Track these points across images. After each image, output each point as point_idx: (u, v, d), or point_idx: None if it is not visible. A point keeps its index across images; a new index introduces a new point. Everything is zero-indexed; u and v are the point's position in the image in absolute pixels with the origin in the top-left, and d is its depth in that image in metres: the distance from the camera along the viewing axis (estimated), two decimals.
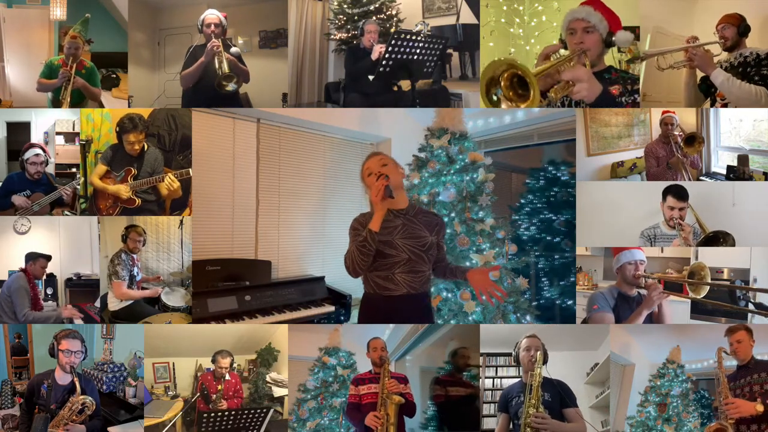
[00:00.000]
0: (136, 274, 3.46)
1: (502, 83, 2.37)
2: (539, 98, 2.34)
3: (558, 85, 2.49)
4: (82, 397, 2.83)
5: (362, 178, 2.48)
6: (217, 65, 3.41)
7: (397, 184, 2.42)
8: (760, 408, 2.56)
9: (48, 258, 3.38)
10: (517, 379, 2.95)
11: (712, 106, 3.28)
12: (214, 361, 3.30)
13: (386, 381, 2.72)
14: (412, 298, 2.40)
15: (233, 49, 3.51)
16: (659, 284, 2.82)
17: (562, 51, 2.67)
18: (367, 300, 2.47)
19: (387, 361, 2.81)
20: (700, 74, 3.24)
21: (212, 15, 3.47)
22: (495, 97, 2.39)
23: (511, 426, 2.81)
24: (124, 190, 3.32)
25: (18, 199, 3.32)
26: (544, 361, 2.79)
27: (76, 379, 2.86)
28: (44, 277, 3.49)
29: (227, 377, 3.29)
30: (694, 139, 3.35)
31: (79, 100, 3.54)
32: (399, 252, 2.36)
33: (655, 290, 2.79)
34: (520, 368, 2.90)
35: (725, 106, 3.21)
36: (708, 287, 2.86)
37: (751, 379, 2.75)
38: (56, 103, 3.53)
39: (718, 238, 3.14)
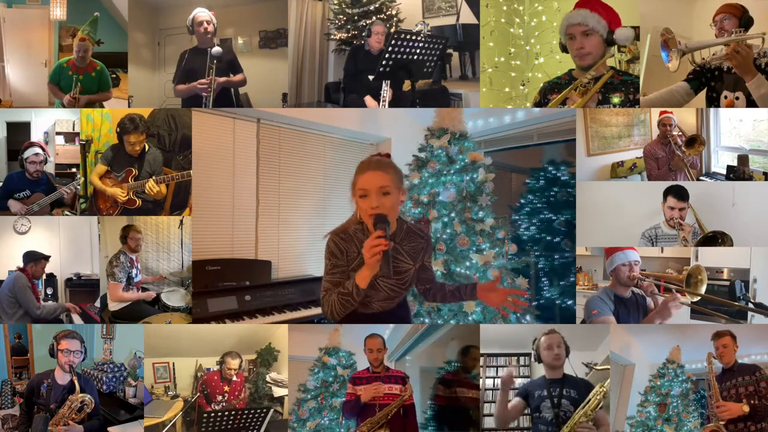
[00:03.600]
0: (134, 275, 3.45)
1: None
2: None
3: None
4: (81, 395, 2.85)
5: (353, 190, 2.07)
6: (203, 101, 3.41)
7: (395, 214, 2.08)
8: (746, 408, 2.83)
9: (48, 258, 3.38)
10: (523, 379, 2.94)
11: (709, 105, 3.22)
12: (222, 362, 3.29)
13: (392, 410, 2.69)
14: (387, 311, 2.25)
15: (215, 49, 3.44)
16: (677, 294, 2.79)
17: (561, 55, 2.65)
18: None
19: (405, 395, 2.72)
20: (688, 66, 2.99)
21: (202, 13, 3.43)
22: None
23: (528, 412, 2.79)
24: (120, 192, 3.32)
25: (15, 206, 3.31)
26: (566, 354, 2.78)
27: (75, 378, 2.88)
28: (44, 276, 3.50)
29: (235, 378, 3.29)
30: (695, 141, 3.32)
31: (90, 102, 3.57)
32: (378, 292, 2.16)
33: (673, 301, 2.75)
34: (532, 365, 2.89)
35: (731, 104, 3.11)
36: (703, 289, 2.87)
37: (737, 382, 2.95)
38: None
39: (716, 239, 3.13)
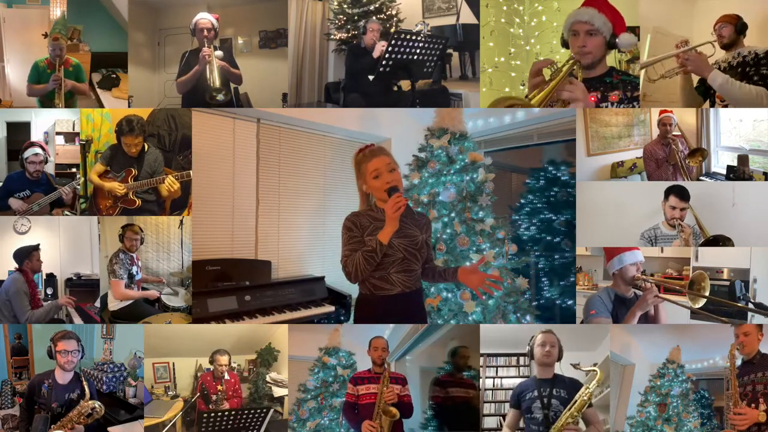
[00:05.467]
0: (135, 273, 3.45)
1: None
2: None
3: (553, 105, 2.49)
4: (91, 402, 2.86)
5: (364, 175, 2.40)
6: (207, 75, 3.42)
7: (401, 187, 2.40)
8: (762, 418, 2.61)
9: (37, 247, 3.34)
10: (522, 378, 2.95)
11: (712, 106, 3.28)
12: (212, 360, 3.31)
13: (384, 390, 2.71)
14: (407, 296, 2.42)
15: (217, 53, 3.47)
16: (655, 287, 2.81)
17: (561, 53, 2.66)
18: (362, 301, 2.47)
19: (387, 369, 2.78)
20: (696, 77, 3.22)
21: (204, 19, 3.46)
22: None
23: (521, 422, 2.80)
24: (119, 187, 3.32)
25: (15, 203, 3.31)
26: (559, 357, 2.79)
27: (85, 383, 2.90)
28: (44, 276, 3.50)
29: (227, 377, 3.30)
30: (696, 151, 3.38)
31: (68, 98, 3.55)
32: (395, 251, 2.37)
33: (651, 292, 2.78)
34: (532, 365, 2.89)
35: (726, 106, 3.21)
36: (705, 299, 2.85)
37: (755, 378, 2.73)
38: (46, 103, 3.54)
39: (717, 242, 3.16)
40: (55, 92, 3.49)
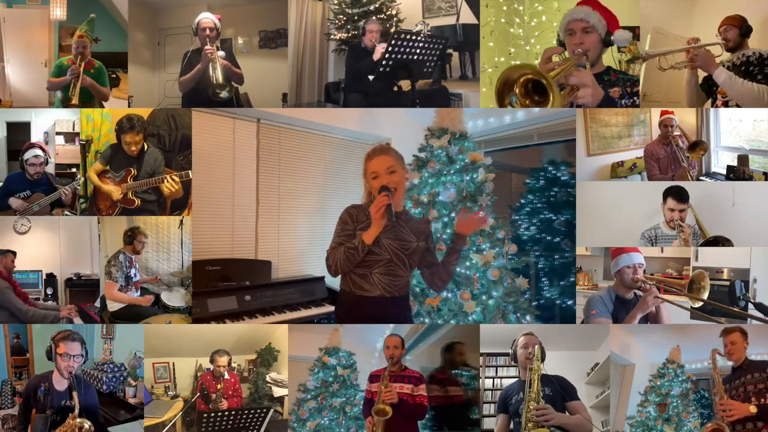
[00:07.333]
0: (133, 275, 3.46)
1: (517, 89, 2.37)
2: (559, 103, 2.37)
3: (563, 90, 2.50)
4: (79, 420, 2.65)
5: (365, 175, 2.44)
6: (210, 72, 3.43)
7: (402, 191, 2.41)
8: (753, 409, 2.64)
9: (14, 253, 3.31)
10: (515, 379, 2.95)
11: (713, 105, 3.29)
12: (212, 360, 3.31)
13: (383, 389, 2.71)
14: (387, 301, 2.39)
15: (220, 52, 3.49)
16: (655, 288, 2.82)
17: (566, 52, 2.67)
18: (343, 297, 2.46)
19: (387, 369, 2.78)
20: (702, 74, 3.25)
21: (207, 19, 3.47)
22: (510, 105, 2.40)
23: (511, 425, 2.81)
24: (115, 191, 3.32)
25: (15, 202, 3.31)
26: (543, 358, 2.79)
27: (75, 394, 2.66)
28: (44, 276, 3.50)
29: (226, 376, 3.30)
30: (697, 145, 3.37)
31: (87, 100, 3.53)
32: (382, 251, 2.36)
33: (650, 294, 2.79)
34: (518, 368, 2.90)
35: (726, 104, 3.22)
36: (705, 296, 2.84)
37: (745, 380, 2.81)
38: (65, 103, 3.52)
39: (717, 243, 3.16)
40: (71, 86, 3.46)
